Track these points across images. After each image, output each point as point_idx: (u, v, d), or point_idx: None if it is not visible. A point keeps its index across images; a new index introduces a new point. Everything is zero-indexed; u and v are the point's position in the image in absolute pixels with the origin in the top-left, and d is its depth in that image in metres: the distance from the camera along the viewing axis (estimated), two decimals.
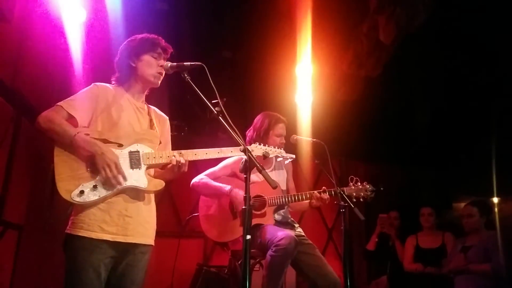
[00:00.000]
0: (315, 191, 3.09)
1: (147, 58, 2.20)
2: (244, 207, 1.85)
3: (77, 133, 1.97)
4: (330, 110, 5.31)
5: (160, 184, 2.12)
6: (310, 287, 2.97)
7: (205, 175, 3.19)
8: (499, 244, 3.70)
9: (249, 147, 2.54)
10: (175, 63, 2.14)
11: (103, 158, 1.96)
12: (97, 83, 2.19)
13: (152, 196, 2.19)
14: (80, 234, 1.94)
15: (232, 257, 3.29)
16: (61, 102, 2.05)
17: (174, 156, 2.12)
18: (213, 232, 3.13)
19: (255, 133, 3.21)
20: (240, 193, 2.99)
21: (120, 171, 1.99)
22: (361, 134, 5.68)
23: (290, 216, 3.26)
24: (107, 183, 1.97)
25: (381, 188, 3.22)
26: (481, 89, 4.86)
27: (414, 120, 5.77)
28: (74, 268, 1.93)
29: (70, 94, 2.12)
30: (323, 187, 3.08)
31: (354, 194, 3.10)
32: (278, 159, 2.67)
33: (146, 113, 2.27)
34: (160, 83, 2.25)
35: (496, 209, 5.47)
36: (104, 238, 1.96)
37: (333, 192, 3.02)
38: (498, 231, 3.91)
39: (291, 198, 3.10)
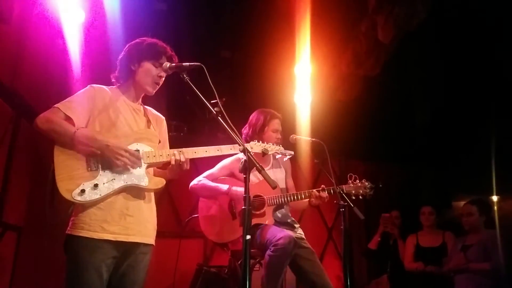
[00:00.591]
0: (314, 190, 3.07)
1: (148, 65, 2.19)
2: (243, 207, 1.84)
3: (77, 129, 1.97)
4: (329, 109, 5.32)
5: (160, 182, 2.12)
6: None
7: (204, 177, 3.18)
8: (498, 243, 3.71)
9: (248, 145, 2.56)
10: (174, 64, 2.13)
11: (110, 149, 1.97)
12: (94, 85, 2.18)
13: (152, 195, 2.20)
14: (81, 234, 1.93)
15: (232, 257, 3.28)
16: (58, 104, 2.04)
17: (174, 154, 2.12)
18: (213, 233, 3.12)
19: (251, 130, 3.21)
20: (239, 190, 2.98)
21: (133, 154, 2.02)
22: (360, 133, 5.68)
23: (290, 216, 3.25)
24: (125, 172, 2.00)
25: (380, 185, 3.21)
26: (481, 88, 4.86)
27: (413, 119, 5.77)
28: (75, 269, 1.91)
29: (69, 94, 2.12)
30: (322, 186, 3.07)
31: (353, 191, 3.09)
32: (277, 156, 2.66)
33: (143, 114, 2.28)
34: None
35: (495, 208, 5.48)
36: (106, 238, 1.95)
37: (332, 190, 3.02)
38: (498, 229, 3.92)
39: (290, 198, 3.09)
